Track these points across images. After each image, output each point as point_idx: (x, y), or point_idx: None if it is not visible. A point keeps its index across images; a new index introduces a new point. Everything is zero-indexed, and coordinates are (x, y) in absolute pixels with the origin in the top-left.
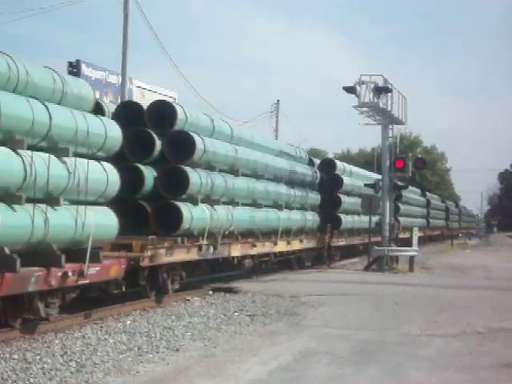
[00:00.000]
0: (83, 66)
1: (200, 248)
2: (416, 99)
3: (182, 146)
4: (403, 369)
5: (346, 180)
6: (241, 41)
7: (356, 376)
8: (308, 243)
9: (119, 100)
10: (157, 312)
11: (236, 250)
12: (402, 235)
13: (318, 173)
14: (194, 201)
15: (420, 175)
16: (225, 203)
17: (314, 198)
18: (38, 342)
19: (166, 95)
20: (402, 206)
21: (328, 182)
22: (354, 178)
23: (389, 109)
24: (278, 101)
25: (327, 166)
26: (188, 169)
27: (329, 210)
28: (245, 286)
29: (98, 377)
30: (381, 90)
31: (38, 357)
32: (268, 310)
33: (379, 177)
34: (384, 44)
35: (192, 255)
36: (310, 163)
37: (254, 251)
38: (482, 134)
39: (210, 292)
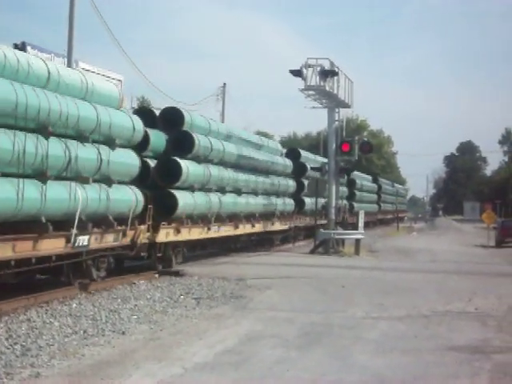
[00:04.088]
0: (28, 48)
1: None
2: (364, 84)
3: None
4: (348, 351)
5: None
6: (189, 26)
7: (302, 359)
8: None
9: None
10: (102, 295)
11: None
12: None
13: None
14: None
15: (366, 159)
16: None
17: None
18: None
19: (112, 78)
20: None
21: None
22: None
23: (335, 92)
24: (225, 84)
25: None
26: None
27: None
28: (191, 269)
29: (43, 360)
30: (327, 74)
31: None
32: (214, 293)
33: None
34: (331, 32)
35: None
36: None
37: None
38: (428, 118)
39: (156, 275)
